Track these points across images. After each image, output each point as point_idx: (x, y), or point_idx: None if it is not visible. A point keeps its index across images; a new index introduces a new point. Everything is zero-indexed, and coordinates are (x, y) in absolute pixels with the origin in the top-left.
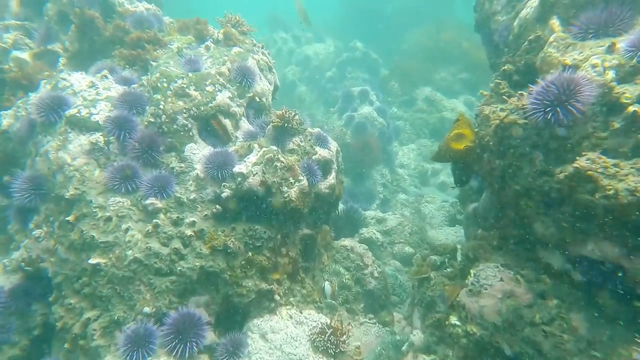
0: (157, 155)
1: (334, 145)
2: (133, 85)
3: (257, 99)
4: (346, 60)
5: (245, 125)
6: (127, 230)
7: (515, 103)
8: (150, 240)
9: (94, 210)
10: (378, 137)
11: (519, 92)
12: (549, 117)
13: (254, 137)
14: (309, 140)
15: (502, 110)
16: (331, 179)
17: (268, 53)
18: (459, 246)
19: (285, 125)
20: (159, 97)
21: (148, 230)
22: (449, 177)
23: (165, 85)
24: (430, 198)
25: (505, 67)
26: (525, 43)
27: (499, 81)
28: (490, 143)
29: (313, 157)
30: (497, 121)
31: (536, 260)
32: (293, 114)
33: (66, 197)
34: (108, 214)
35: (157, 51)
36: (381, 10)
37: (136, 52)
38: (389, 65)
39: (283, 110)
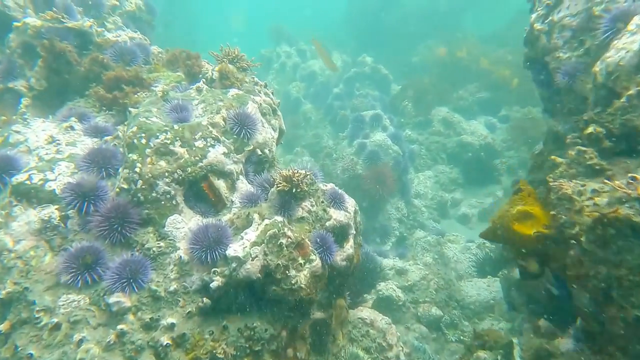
0: (129, 233)
1: (351, 204)
2: (106, 138)
3: (259, 152)
4: (354, 76)
5: (243, 185)
6: (80, 342)
7: (625, 190)
8: (111, 356)
9: (37, 315)
10: (392, 166)
11: (630, 174)
12: None
13: (253, 201)
14: (322, 202)
15: (595, 192)
16: (349, 247)
17: (272, 92)
18: (515, 340)
19: (294, 190)
20: (134, 157)
21: (109, 341)
22: (470, 208)
23: (143, 142)
24: (452, 237)
25: (591, 129)
26: (624, 100)
27: (582, 149)
28: (583, 239)
29: (327, 224)
30: (597, 214)
31: None
32: (303, 174)
33: (0, 296)
34: (56, 319)
35: (138, 94)
36: (387, 19)
37: (112, 96)
38: (399, 81)
39: (291, 171)
